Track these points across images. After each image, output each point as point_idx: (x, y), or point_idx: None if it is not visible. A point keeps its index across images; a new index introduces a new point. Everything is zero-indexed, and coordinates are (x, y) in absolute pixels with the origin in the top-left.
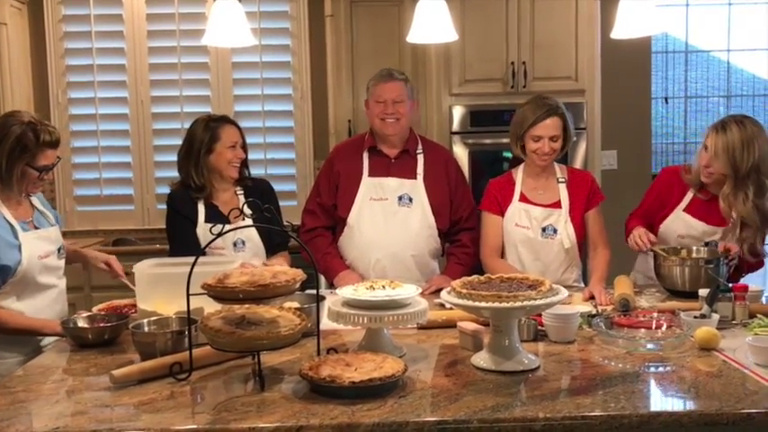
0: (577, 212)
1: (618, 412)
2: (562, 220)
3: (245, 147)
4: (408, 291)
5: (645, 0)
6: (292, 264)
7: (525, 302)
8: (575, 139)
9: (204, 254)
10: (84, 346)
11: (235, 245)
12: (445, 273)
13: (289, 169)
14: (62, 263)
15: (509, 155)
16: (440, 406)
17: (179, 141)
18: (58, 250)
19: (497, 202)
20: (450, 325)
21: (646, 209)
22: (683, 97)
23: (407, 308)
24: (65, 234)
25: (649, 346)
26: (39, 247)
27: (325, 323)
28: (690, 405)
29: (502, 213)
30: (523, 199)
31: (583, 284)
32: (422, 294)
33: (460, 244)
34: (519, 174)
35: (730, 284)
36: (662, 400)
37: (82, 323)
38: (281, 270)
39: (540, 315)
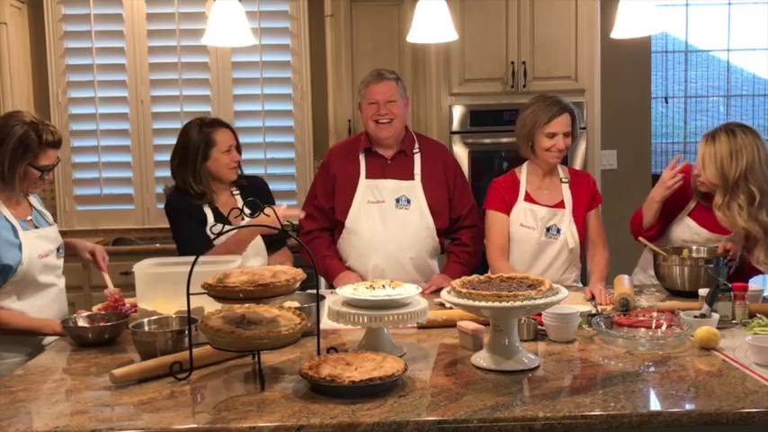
0: (580, 213)
1: (618, 412)
2: (566, 221)
3: (239, 148)
4: (408, 290)
5: (645, 0)
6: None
7: (525, 302)
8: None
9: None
10: (84, 345)
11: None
12: (445, 272)
13: (288, 169)
14: (61, 262)
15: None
16: (440, 405)
17: None
18: (57, 249)
19: (504, 200)
20: (450, 324)
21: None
22: (683, 97)
23: (407, 307)
24: (65, 234)
25: (649, 345)
26: (39, 246)
27: (326, 322)
28: (689, 405)
29: (508, 212)
30: (528, 199)
31: (581, 284)
32: (422, 294)
33: (460, 242)
34: (523, 173)
35: (730, 284)
36: (662, 400)
37: (82, 322)
38: (281, 269)
39: (540, 315)
